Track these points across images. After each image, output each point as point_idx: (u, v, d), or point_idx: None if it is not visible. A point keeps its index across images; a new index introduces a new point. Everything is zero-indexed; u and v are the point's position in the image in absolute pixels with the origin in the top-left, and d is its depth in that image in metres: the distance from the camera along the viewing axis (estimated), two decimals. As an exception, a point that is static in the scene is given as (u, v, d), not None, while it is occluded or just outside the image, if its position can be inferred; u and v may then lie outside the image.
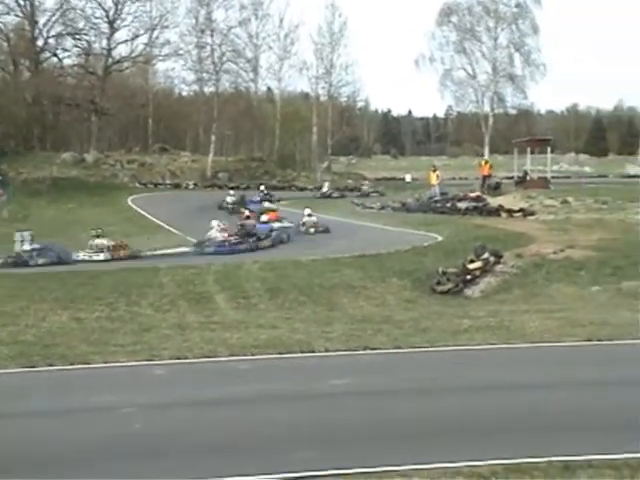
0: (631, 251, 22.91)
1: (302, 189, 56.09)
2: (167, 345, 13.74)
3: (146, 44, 63.32)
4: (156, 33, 63.32)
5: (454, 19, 60.81)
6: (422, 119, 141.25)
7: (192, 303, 18.48)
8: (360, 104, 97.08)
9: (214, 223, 26.53)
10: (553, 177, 54.50)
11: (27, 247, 23.52)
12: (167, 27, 63.41)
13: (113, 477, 7.84)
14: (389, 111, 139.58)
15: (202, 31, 64.48)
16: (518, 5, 59.33)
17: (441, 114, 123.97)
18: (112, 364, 12.50)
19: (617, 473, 7.79)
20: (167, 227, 32.28)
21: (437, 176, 44.17)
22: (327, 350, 13.20)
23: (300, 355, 12.95)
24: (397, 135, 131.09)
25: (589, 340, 13.80)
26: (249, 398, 10.53)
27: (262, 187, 48.67)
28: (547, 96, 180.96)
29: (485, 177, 45.70)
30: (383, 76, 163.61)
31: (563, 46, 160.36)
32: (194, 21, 64.34)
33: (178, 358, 12.78)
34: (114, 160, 60.04)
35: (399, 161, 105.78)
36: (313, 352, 13.11)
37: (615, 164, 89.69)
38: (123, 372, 12.18)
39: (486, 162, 46.57)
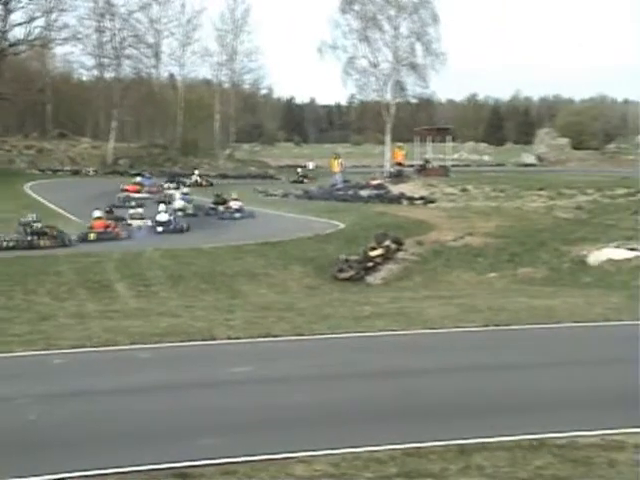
0: (527, 238, 23.51)
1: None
2: (65, 334, 13.44)
3: (43, 27, 61.55)
4: (54, 16, 61.58)
5: (357, 7, 60.94)
6: (325, 107, 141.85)
7: (92, 291, 18.16)
8: (263, 91, 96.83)
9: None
10: (453, 165, 55.53)
11: None
12: (65, 10, 61.81)
13: None
14: (292, 99, 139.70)
15: (102, 15, 63.22)
16: (419, -5, 59.94)
17: (344, 102, 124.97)
18: (7, 354, 12.17)
19: (510, 454, 7.98)
20: (66, 214, 31.57)
21: (340, 164, 44.38)
22: (229, 338, 13.14)
23: (202, 343, 12.84)
24: (300, 123, 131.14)
25: (486, 325, 14.09)
26: (149, 387, 10.40)
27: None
28: (448, 85, 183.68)
29: (399, 164, 46.13)
30: (287, 63, 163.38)
31: (463, 36, 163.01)
32: (93, 4, 63.07)
33: (77, 347, 12.52)
34: (10, 146, 58.47)
35: (302, 148, 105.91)
36: (215, 340, 13.02)
37: (512, 153, 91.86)
38: (19, 362, 11.86)
39: (400, 148, 46.96)
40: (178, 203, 31.43)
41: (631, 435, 8.49)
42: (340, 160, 44.74)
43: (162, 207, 27.73)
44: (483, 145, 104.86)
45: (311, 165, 66.04)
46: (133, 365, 11.68)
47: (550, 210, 28.88)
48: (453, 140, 58.21)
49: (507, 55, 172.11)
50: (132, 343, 12.72)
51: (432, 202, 33.59)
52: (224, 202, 31.85)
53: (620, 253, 21.35)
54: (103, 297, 17.69)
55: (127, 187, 39.29)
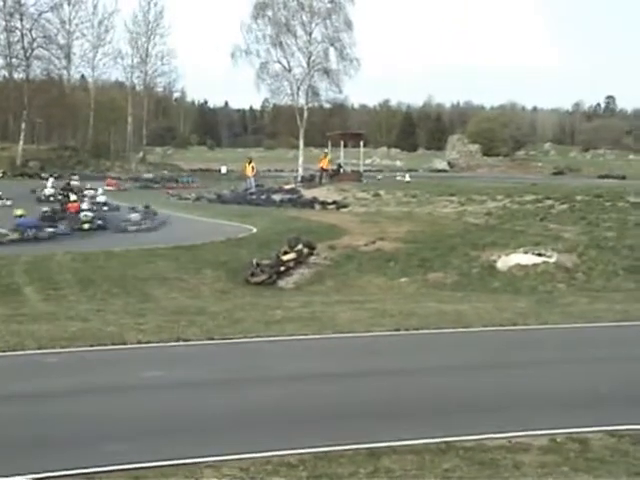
0: (437, 243, 23.81)
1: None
2: (-31, 339, 13.09)
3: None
4: (-40, 14, 60.07)
5: (269, 13, 60.94)
6: (239, 111, 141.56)
7: (-2, 295, 17.72)
8: (176, 94, 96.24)
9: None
10: (366, 171, 56.01)
11: None
12: (-29, 9, 60.28)
13: None
14: (206, 102, 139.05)
15: (11, 14, 61.93)
16: (332, 1, 60.22)
17: (258, 106, 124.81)
18: None
19: (419, 457, 8.09)
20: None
21: (253, 168, 44.31)
22: (139, 342, 12.98)
23: (112, 347, 12.67)
24: (214, 126, 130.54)
25: (397, 330, 14.24)
26: (56, 392, 10.22)
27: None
28: (361, 91, 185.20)
29: (323, 170, 46.22)
30: (200, 67, 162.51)
31: (377, 42, 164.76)
32: (2, 3, 61.65)
33: (-19, 352, 12.21)
34: None
35: (215, 152, 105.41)
36: (125, 344, 12.86)
37: (424, 158, 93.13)
38: None
39: (325, 155, 47.09)
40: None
41: (535, 437, 8.69)
42: (253, 164, 44.65)
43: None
44: (395, 150, 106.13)
45: (224, 169, 65.78)
46: (40, 370, 11.44)
47: (461, 216, 29.31)
48: (365, 145, 58.62)
49: (421, 61, 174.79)
50: (39, 347, 12.46)
51: (345, 207, 33.79)
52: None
53: (528, 258, 21.79)
54: (10, 301, 17.27)
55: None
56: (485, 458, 8.14)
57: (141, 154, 70.44)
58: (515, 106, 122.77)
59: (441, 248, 23.24)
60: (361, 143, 52.66)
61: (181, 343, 13.03)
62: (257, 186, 43.17)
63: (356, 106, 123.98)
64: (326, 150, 49.25)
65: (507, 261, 21.76)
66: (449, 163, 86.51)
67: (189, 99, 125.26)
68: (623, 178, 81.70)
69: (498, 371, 11.64)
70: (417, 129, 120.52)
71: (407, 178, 55.18)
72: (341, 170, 48.41)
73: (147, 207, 31.47)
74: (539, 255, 21.90)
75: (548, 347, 13.30)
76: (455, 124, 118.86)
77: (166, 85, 76.73)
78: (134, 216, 28.81)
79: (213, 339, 13.33)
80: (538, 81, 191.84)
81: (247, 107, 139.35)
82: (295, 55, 60.78)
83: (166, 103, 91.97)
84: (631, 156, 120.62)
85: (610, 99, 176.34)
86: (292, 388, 10.61)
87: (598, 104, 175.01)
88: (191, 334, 13.58)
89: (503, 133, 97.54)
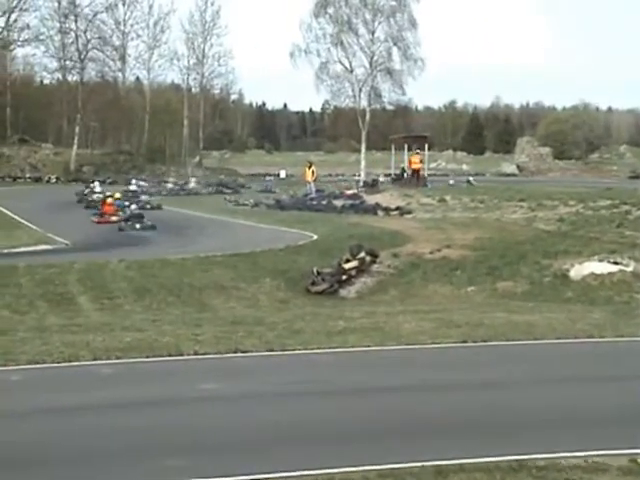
0: (506, 251, 23.60)
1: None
2: (24, 349, 13.31)
3: (3, 27, 61.22)
4: (14, 16, 61.29)
5: (330, 10, 61.08)
6: (298, 113, 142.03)
7: (53, 304, 18.03)
8: (234, 96, 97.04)
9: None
10: (431, 175, 55.77)
11: None
12: (27, 10, 61.51)
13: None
14: (264, 104, 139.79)
15: (65, 16, 63.04)
16: (396, -1, 60.17)
17: (317, 108, 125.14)
18: (-38, 370, 12.03)
19: (489, 476, 8.00)
20: (27, 224, 31.38)
21: (313, 172, 44.45)
22: (196, 353, 13.08)
23: (168, 359, 12.77)
24: (272, 129, 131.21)
25: (464, 342, 14.14)
26: (112, 404, 10.33)
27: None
28: (425, 92, 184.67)
29: (415, 171, 46.25)
30: (258, 68, 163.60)
31: (441, 41, 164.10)
32: (57, 4, 62.82)
33: (36, 362, 12.41)
34: (-34, 152, 58.10)
35: (274, 156, 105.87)
36: (182, 355, 12.96)
37: (492, 162, 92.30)
38: (-25, 379, 11.74)
39: (417, 154, 47.00)
40: None
41: (615, 457, 8.52)
42: (313, 168, 44.82)
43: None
44: (461, 154, 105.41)
45: (283, 174, 66.08)
46: (95, 381, 11.59)
47: (531, 222, 29.02)
48: (430, 149, 58.41)
49: (488, 59, 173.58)
50: (94, 359, 12.63)
51: (409, 213, 33.69)
52: None
53: (603, 267, 21.48)
54: (65, 310, 17.55)
55: None
56: (559, 478, 8.01)
57: (197, 158, 71.05)
58: (588, 107, 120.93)
59: (510, 256, 23.03)
60: (426, 146, 52.47)
61: (239, 354, 13.09)
62: (317, 191, 43.28)
63: (420, 108, 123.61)
64: (418, 150, 48.83)
65: (581, 270, 21.46)
66: (518, 167, 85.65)
67: (247, 101, 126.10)
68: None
69: (572, 386, 11.47)
70: (484, 131, 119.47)
71: (472, 181, 54.75)
72: (405, 175, 48.31)
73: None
74: (615, 263, 21.56)
75: (626, 361, 13.08)
76: (525, 126, 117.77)
77: (223, 87, 77.41)
78: None
79: (272, 350, 13.37)
80: (613, 79, 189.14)
81: (306, 109, 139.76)
82: (357, 55, 60.93)
83: (223, 105, 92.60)
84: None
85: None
86: (354, 402, 10.59)
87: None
88: (249, 345, 13.63)
89: (576, 135, 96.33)
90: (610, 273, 21.11)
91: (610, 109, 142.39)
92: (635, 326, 15.86)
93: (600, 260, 21.85)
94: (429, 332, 15.00)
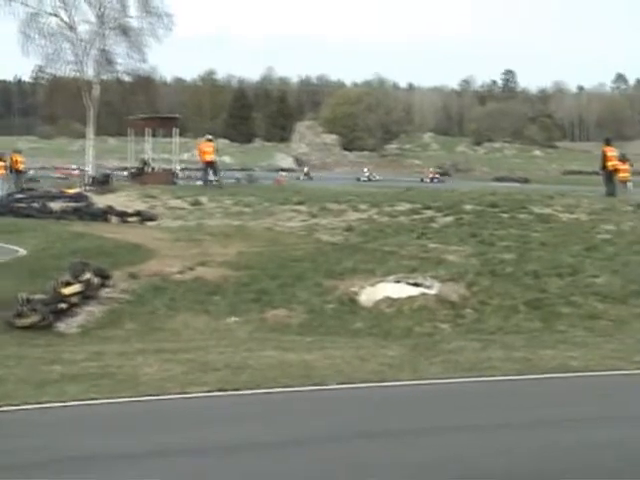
0: (279, 270, 23.99)
1: None
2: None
3: None
4: None
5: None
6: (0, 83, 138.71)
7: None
8: None
9: None
10: (183, 169, 55.98)
11: None
12: None
13: None
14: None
15: None
16: None
17: (27, 78, 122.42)
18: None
19: None
20: None
21: (17, 162, 43.62)
22: None
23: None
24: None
25: (222, 390, 14.23)
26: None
27: None
28: (176, 60, 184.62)
29: (208, 164, 45.86)
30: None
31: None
32: None
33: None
34: None
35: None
36: None
37: (263, 153, 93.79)
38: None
39: (209, 141, 46.57)
40: None
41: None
42: (18, 157, 43.89)
43: None
44: (224, 142, 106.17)
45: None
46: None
47: (311, 231, 29.65)
48: (182, 135, 58.60)
49: (260, 27, 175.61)
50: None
51: (152, 219, 33.63)
52: None
53: (401, 289, 22.21)
54: None
55: None
56: None
57: None
58: (385, 83, 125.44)
59: (284, 276, 23.43)
60: (175, 131, 52.55)
61: None
62: (27, 190, 42.44)
63: (169, 80, 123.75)
64: (209, 136, 48.49)
65: (373, 293, 22.13)
66: (297, 160, 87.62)
67: None
68: (526, 181, 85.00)
69: (354, 445, 11.70)
70: (253, 113, 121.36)
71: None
72: (147, 169, 48.24)
73: None
74: (415, 285, 22.40)
75: (429, 410, 13.54)
76: (305, 107, 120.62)
77: None
78: None
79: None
80: (414, 50, 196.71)
81: (11, 78, 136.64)
82: (80, 5, 59.59)
83: None
84: (536, 152, 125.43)
85: (509, 75, 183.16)
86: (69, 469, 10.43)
87: (494, 82, 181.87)
88: None
89: (369, 119, 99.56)
90: (409, 297, 21.90)
91: (412, 86, 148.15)
92: (439, 365, 16.52)
93: (397, 281, 22.63)
94: (178, 378, 14.99)
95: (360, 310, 21.59)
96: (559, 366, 16.37)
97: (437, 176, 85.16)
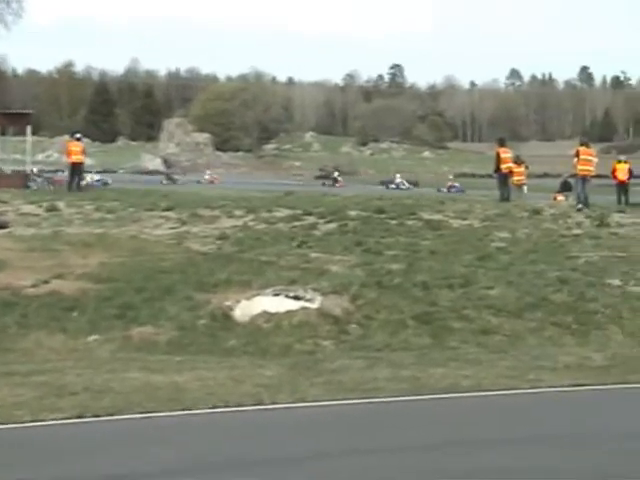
0: (145, 282, 23.82)
1: None
2: None
3: None
4: None
5: None
6: None
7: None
8: None
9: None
10: (40, 171, 55.25)
11: None
12: None
13: None
14: None
15: None
16: None
17: None
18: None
19: None
20: None
21: None
22: None
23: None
24: None
25: (80, 416, 14.05)
26: None
27: None
28: (31, 49, 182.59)
29: (75, 165, 45.06)
30: None
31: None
32: None
33: None
34: None
35: None
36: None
37: (128, 153, 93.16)
38: None
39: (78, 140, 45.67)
40: None
41: None
42: None
43: None
44: (85, 140, 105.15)
45: None
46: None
47: (181, 240, 29.49)
48: (36, 133, 57.92)
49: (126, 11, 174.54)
50: None
51: (2, 227, 33.12)
52: None
53: (280, 303, 22.24)
54: None
55: None
56: None
57: None
58: (262, 77, 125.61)
59: (151, 289, 23.29)
60: (28, 129, 51.89)
61: None
62: None
63: (20, 72, 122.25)
64: (78, 135, 47.74)
65: (249, 308, 22.12)
66: (165, 161, 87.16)
67: None
68: (415, 185, 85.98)
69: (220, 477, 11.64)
70: (116, 109, 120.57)
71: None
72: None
73: None
74: (296, 298, 22.44)
75: (309, 434, 13.55)
76: (174, 103, 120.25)
77: None
78: None
79: None
80: (296, 45, 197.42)
81: None
82: None
83: None
84: (426, 153, 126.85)
85: (396, 69, 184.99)
86: None
87: (380, 77, 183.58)
88: None
89: (245, 117, 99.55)
90: (289, 312, 21.92)
91: (292, 81, 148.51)
92: (321, 385, 16.55)
93: (275, 294, 22.64)
94: (30, 404, 14.77)
95: (235, 326, 21.55)
96: (450, 386, 16.57)
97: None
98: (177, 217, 32.60)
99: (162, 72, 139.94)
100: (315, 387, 16.43)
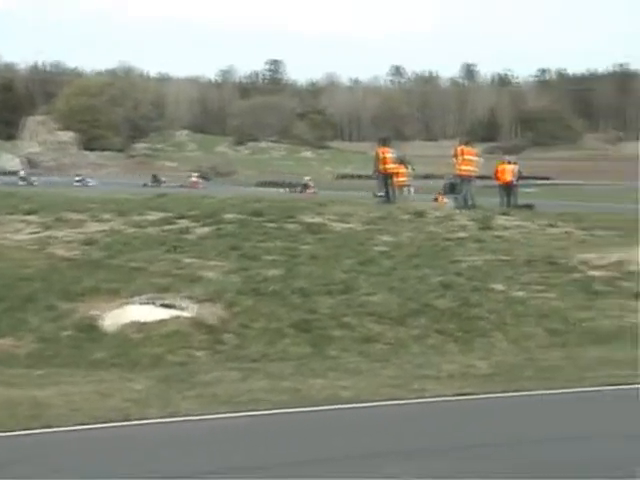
0: (5, 291, 23.46)
1: None
2: None
3: None
4: None
5: None
6: None
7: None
8: None
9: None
10: None
11: None
12: None
13: None
14: None
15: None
16: None
17: None
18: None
19: None
20: None
21: None
22: None
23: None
24: None
25: None
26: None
27: None
28: None
29: None
30: None
31: None
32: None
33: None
34: None
35: None
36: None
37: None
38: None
39: None
40: None
41: None
42: None
43: None
44: None
45: None
46: None
47: (44, 245, 29.18)
48: None
49: None
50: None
51: None
52: None
53: (150, 312, 22.12)
54: None
55: None
56: None
57: None
58: (132, 72, 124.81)
59: (11, 298, 23.02)
60: None
61: None
62: None
63: None
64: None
65: (118, 317, 21.99)
66: (28, 161, 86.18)
67: None
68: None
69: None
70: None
71: None
72: None
73: None
74: (167, 307, 22.36)
75: (180, 451, 13.51)
76: (36, 99, 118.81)
77: None
78: None
79: None
80: (167, 39, 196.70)
81: None
82: None
83: None
84: (307, 153, 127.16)
85: (275, 65, 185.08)
86: None
87: (257, 73, 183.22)
88: None
89: (113, 114, 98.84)
90: (160, 321, 21.83)
91: (164, 77, 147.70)
92: (194, 399, 16.53)
93: (146, 302, 22.54)
94: None
95: (102, 337, 21.37)
96: (330, 396, 16.67)
97: None
98: (40, 221, 32.21)
99: (22, 65, 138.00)
100: (187, 400, 16.40)
